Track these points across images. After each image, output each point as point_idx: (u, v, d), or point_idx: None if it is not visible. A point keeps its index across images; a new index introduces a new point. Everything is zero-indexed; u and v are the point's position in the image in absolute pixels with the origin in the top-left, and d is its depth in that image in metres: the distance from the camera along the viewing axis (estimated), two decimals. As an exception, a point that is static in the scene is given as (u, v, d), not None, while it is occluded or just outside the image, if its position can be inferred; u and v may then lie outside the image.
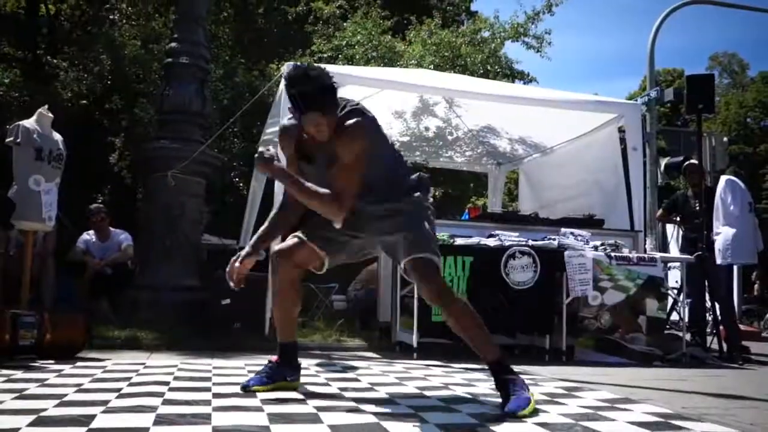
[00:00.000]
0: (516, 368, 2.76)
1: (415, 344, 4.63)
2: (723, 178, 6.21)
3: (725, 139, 12.90)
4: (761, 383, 4.09)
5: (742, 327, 7.77)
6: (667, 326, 5.80)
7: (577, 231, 5.27)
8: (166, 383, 2.97)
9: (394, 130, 8.12)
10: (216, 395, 2.71)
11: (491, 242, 4.95)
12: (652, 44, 11.49)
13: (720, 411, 2.82)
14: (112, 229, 6.43)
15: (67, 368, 3.41)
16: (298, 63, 6.11)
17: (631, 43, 68.47)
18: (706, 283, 6.01)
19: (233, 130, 8.68)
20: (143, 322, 5.02)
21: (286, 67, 5.53)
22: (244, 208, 7.64)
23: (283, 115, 5.46)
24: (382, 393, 2.94)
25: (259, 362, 3.98)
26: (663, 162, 11.05)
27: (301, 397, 2.75)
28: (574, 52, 64.89)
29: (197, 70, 6.11)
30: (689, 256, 5.84)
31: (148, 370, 3.40)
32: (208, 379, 3.18)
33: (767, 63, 38.63)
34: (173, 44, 6.19)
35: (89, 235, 6.35)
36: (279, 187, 5.34)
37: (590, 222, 5.79)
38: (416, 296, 4.64)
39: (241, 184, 8.98)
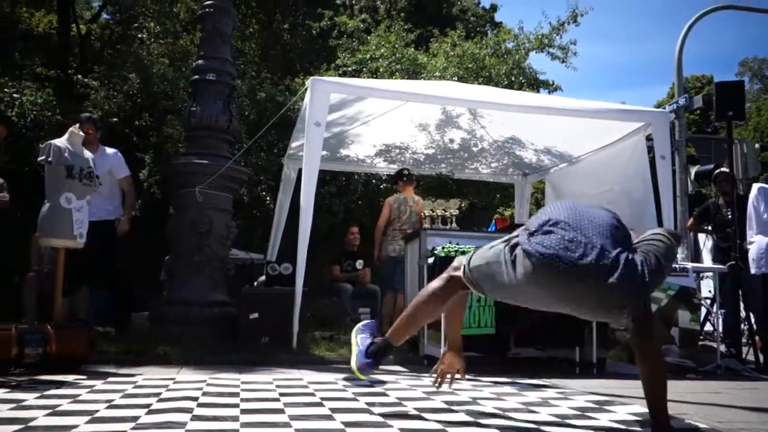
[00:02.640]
0: (546, 381, 2.73)
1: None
2: (755, 186, 6.09)
3: (757, 145, 12.67)
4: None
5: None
6: (701, 337, 5.69)
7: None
8: (195, 399, 2.99)
9: (418, 142, 8.15)
10: (244, 411, 2.71)
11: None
12: (680, 51, 11.38)
13: (756, 426, 2.75)
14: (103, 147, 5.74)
15: (99, 384, 3.45)
16: (323, 78, 6.18)
17: (658, 50, 67.96)
18: (740, 293, 5.89)
19: (259, 144, 8.76)
20: (172, 337, 5.07)
21: (311, 81, 5.61)
22: (271, 222, 7.70)
23: (307, 128, 5.51)
24: (410, 408, 2.92)
25: (287, 377, 4.01)
26: (693, 170, 10.90)
27: (328, 412, 2.74)
28: (600, 60, 64.54)
29: (223, 87, 6.19)
30: (722, 266, 5.74)
31: (178, 386, 3.42)
32: (237, 394, 3.19)
33: (799, 67, 38.01)
34: (200, 61, 6.28)
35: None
36: (305, 201, 5.41)
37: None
38: (443, 309, 4.62)
39: (268, 198, 9.05)
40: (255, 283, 6.45)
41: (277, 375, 4.09)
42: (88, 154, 4.59)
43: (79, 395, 3.07)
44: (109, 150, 6.00)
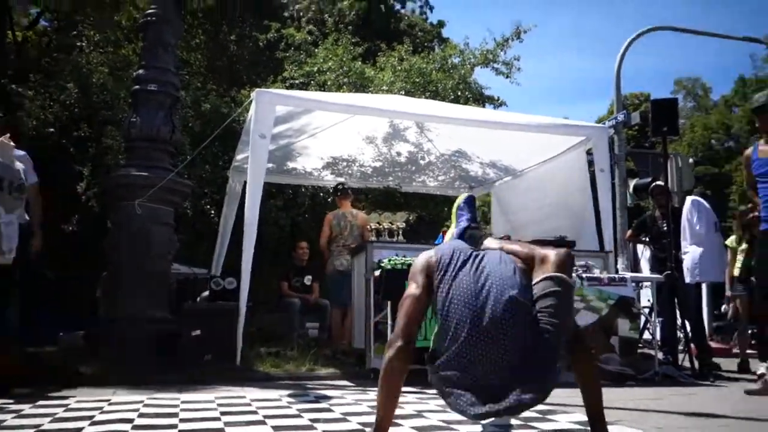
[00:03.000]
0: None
1: (388, 371, 4.56)
2: (688, 199, 6.32)
3: (691, 160, 13.14)
4: (732, 400, 4.10)
5: (713, 344, 7.85)
6: (640, 345, 5.83)
7: (548, 253, 5.28)
8: (131, 421, 2.89)
9: (365, 155, 8.14)
10: None
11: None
12: (618, 69, 11.75)
13: (691, 430, 2.81)
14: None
15: (27, 408, 3.29)
16: (269, 90, 6.11)
17: (599, 67, 69.95)
18: (676, 302, 6.07)
19: (204, 156, 8.60)
20: (109, 357, 4.89)
21: (255, 93, 5.54)
22: (216, 236, 7.55)
23: (252, 140, 5.44)
24: (354, 424, 2.88)
25: (230, 395, 3.91)
26: (631, 183, 11.22)
27: (270, 431, 2.68)
28: (544, 76, 65.94)
29: (165, 97, 6.04)
30: (659, 276, 5.90)
31: (113, 408, 3.30)
32: (175, 414, 3.09)
33: (728, 87, 39.85)
34: (141, 71, 6.12)
35: None
36: (250, 214, 5.33)
37: (561, 244, 5.79)
38: (390, 322, 4.61)
39: (212, 212, 8.88)
40: (198, 299, 6.30)
41: (219, 393, 3.99)
42: (19, 165, 4.41)
43: (4, 421, 2.91)
44: (18, 151, 5.49)
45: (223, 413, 3.13)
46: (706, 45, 65.10)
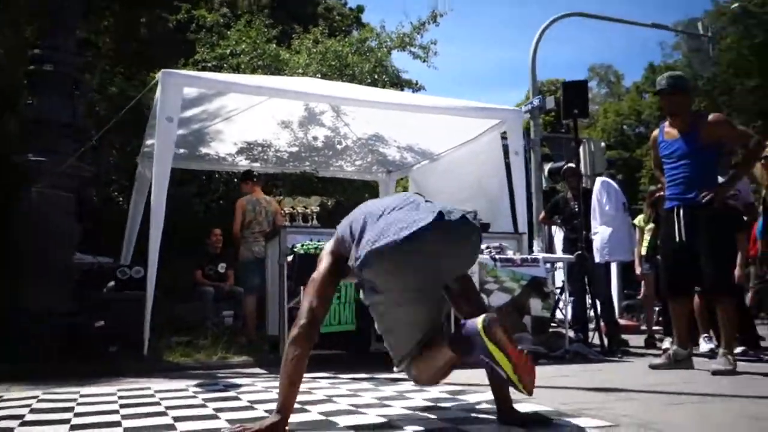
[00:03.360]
0: (404, 375, 2.70)
1: (303, 357, 4.49)
2: (598, 180, 6.51)
3: (603, 144, 13.62)
4: (637, 375, 4.25)
5: (622, 321, 8.17)
6: (555, 324, 5.99)
7: (463, 235, 5.33)
8: (20, 417, 2.70)
9: (281, 140, 7.98)
10: (74, 427, 2.48)
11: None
12: (534, 55, 12.01)
13: (597, 405, 2.88)
14: None
15: None
16: (175, 71, 5.86)
17: (517, 54, 71.40)
18: (587, 281, 6.26)
19: (111, 142, 8.23)
20: (7, 351, 4.60)
21: (160, 75, 5.30)
22: (124, 224, 7.25)
23: (158, 124, 5.21)
24: (260, 411, 2.79)
25: (134, 386, 3.74)
26: (546, 167, 11.53)
27: (170, 422, 2.56)
28: (464, 62, 66.87)
29: (65, 79, 5.71)
30: (570, 256, 6.06)
31: (4, 404, 3.08)
32: (71, 409, 2.91)
33: (639, 74, 41.65)
34: (37, 51, 5.76)
35: None
36: (156, 201, 5.11)
37: (477, 226, 5.87)
38: (303, 308, 4.52)
39: (120, 199, 8.51)
40: (105, 290, 6.01)
41: (123, 385, 3.81)
42: None
43: None
44: None
45: (122, 405, 2.98)
46: (618, 33, 67.66)
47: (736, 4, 23.35)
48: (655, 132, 4.65)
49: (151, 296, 4.89)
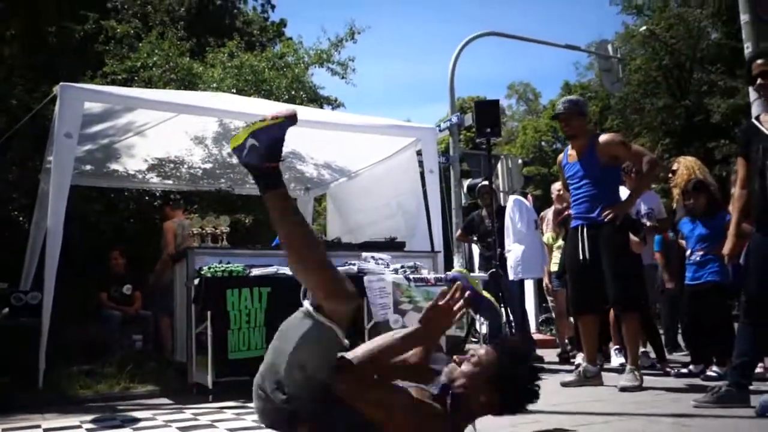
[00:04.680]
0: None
1: (210, 385, 4.32)
2: (511, 198, 6.62)
3: (520, 161, 13.98)
4: (548, 393, 4.26)
5: (538, 336, 8.32)
6: (474, 339, 6.00)
7: (377, 255, 5.29)
8: None
9: (195, 157, 7.73)
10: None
11: (289, 271, 4.78)
12: (452, 72, 12.17)
13: (505, 422, 2.85)
14: None
15: None
16: (75, 84, 5.56)
17: (440, 69, 72.65)
18: (502, 298, 6.31)
19: (11, 157, 7.76)
20: None
21: (58, 88, 5.02)
22: (24, 244, 6.82)
23: (57, 140, 4.93)
24: (153, 450, 2.63)
25: (22, 424, 3.47)
26: (465, 184, 11.70)
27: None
28: (384, 79, 67.29)
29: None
30: (483, 274, 6.11)
31: None
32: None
33: (555, 92, 43.17)
34: None
35: None
36: (53, 221, 4.83)
37: (391, 245, 5.84)
38: (210, 333, 4.35)
39: (21, 218, 8.02)
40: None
41: (9, 424, 3.53)
42: None
43: None
44: None
45: (1, 450, 2.74)
46: (535, 52, 70.05)
47: (644, 27, 24.51)
48: (560, 155, 4.78)
49: (47, 323, 4.59)
